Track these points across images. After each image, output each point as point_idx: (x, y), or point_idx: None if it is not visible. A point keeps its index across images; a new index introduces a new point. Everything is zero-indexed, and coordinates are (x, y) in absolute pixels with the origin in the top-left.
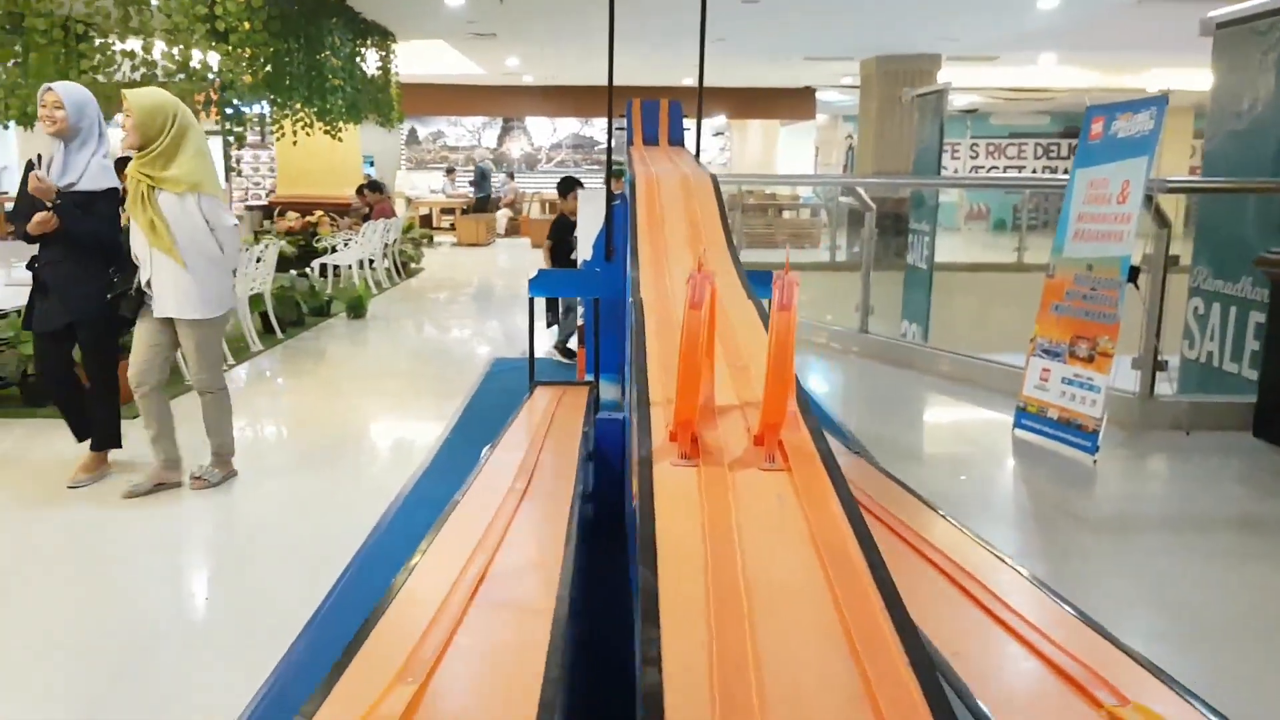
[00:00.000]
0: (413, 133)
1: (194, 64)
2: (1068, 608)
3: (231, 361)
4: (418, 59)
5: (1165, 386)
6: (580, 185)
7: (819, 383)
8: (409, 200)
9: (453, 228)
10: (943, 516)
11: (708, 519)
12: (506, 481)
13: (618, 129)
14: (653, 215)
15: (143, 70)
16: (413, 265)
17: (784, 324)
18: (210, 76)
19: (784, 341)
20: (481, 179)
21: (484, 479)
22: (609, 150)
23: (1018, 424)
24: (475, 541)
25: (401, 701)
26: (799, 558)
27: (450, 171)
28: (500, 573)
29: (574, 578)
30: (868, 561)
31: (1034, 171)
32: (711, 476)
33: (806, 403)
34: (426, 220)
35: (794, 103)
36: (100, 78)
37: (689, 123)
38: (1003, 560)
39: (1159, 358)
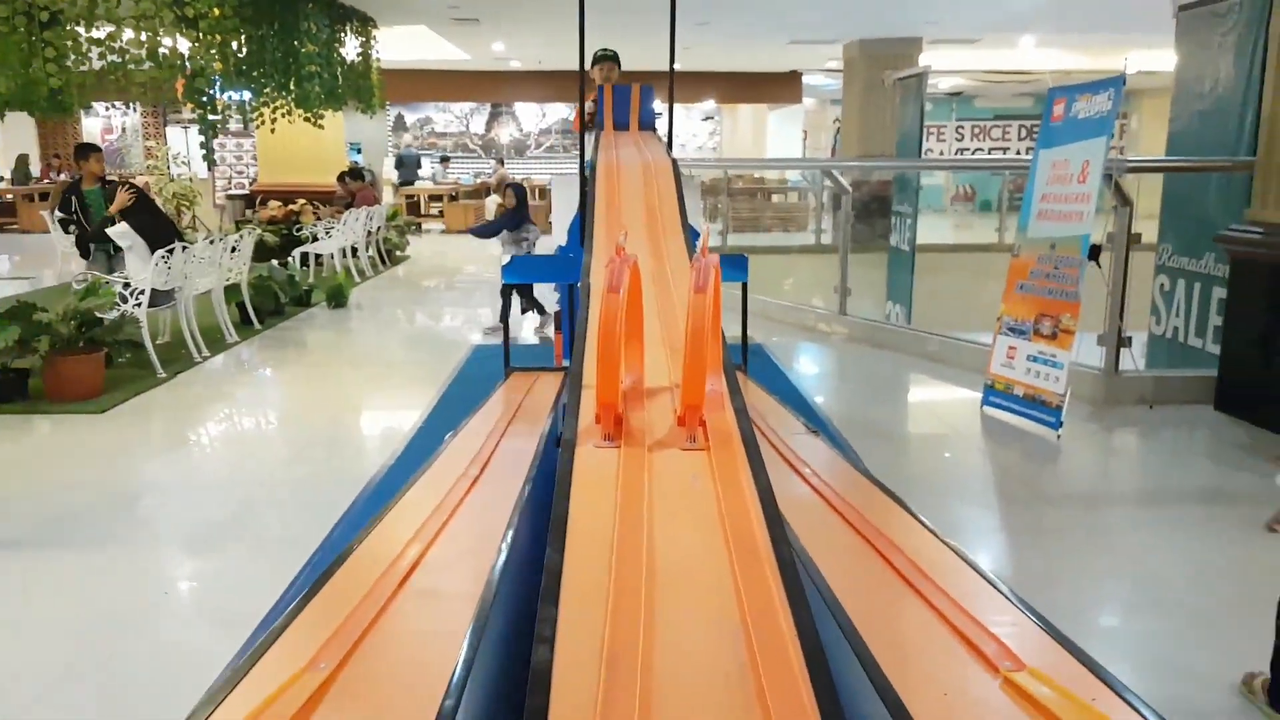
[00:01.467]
0: (400, 119)
1: (163, 51)
2: (984, 576)
3: (206, 353)
4: (404, 44)
5: (1131, 362)
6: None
7: (794, 363)
8: (396, 187)
9: (441, 215)
10: (883, 491)
11: (621, 500)
12: (460, 468)
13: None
14: (611, 201)
15: (111, 58)
16: (398, 253)
17: (699, 307)
18: (180, 64)
19: (699, 324)
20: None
21: (439, 466)
22: (581, 136)
23: (986, 401)
24: (415, 529)
25: (308, 689)
26: (704, 539)
27: (445, 160)
28: (435, 560)
29: (510, 564)
30: (771, 539)
31: (1018, 152)
32: (631, 458)
33: (735, 383)
34: (415, 207)
35: (781, 87)
36: (68, 65)
37: (662, 107)
38: (929, 530)
39: (1123, 334)
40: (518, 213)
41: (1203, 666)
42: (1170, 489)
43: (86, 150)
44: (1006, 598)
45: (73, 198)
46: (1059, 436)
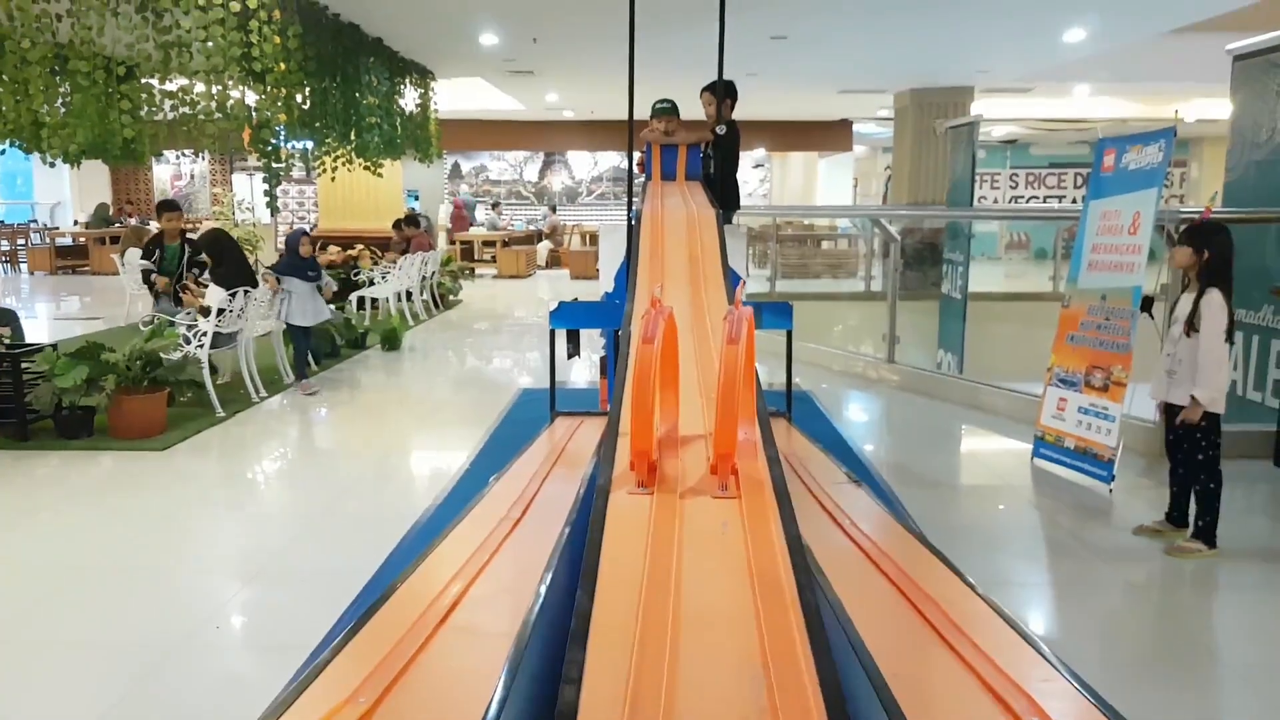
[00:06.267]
0: (456, 167)
1: (231, 103)
2: (1018, 631)
3: (264, 393)
4: (460, 95)
5: None
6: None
7: (841, 411)
8: (449, 232)
9: (494, 260)
10: (921, 542)
11: (652, 546)
12: (503, 510)
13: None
14: (655, 251)
15: (182, 110)
16: (451, 298)
17: (731, 358)
18: (247, 115)
19: (731, 375)
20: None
21: (482, 507)
22: (629, 185)
23: (1036, 453)
24: (457, 568)
25: None
26: (731, 585)
27: (495, 205)
28: (474, 599)
29: (546, 605)
30: (798, 587)
31: (1074, 200)
32: (663, 504)
33: (769, 432)
34: (468, 253)
35: (832, 135)
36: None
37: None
38: (966, 583)
39: None
40: (288, 262)
41: None
42: (1225, 547)
43: (170, 206)
44: (1040, 653)
45: (156, 250)
46: (1111, 490)
